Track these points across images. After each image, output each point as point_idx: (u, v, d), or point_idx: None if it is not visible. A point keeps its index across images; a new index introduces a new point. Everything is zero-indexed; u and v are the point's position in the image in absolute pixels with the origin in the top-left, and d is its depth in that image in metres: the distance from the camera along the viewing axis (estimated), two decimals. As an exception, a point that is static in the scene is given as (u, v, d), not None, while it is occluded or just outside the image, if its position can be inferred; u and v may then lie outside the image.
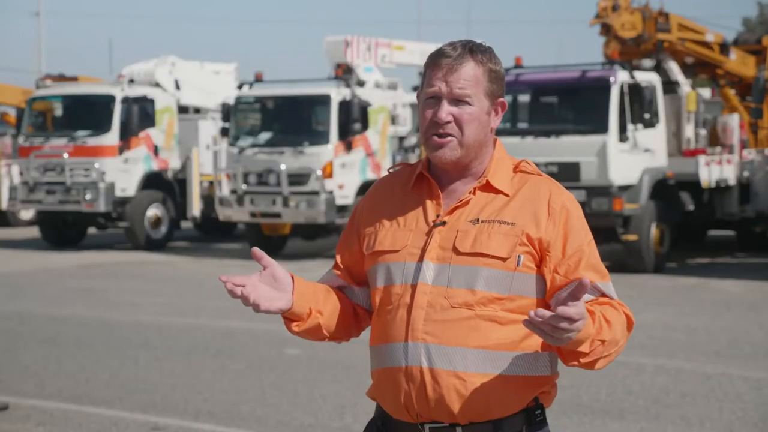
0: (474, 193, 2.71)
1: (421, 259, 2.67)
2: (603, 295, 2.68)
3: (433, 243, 2.68)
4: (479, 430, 2.65)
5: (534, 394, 2.68)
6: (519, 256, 2.63)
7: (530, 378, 2.66)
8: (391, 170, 2.88)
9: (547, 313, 2.39)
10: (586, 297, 2.62)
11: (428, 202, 2.73)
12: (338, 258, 2.89)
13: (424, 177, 2.77)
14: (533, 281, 2.66)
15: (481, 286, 2.62)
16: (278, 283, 2.71)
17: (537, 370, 2.66)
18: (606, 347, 2.57)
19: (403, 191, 2.79)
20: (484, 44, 2.73)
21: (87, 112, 20.19)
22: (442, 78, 2.66)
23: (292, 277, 2.75)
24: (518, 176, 2.74)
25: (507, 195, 2.70)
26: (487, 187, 2.71)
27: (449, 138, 2.67)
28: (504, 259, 2.63)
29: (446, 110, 2.66)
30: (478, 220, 2.67)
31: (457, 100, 2.66)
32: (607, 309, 2.62)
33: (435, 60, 2.68)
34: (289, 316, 2.75)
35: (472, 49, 2.68)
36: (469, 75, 2.66)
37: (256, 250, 2.70)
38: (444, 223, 2.68)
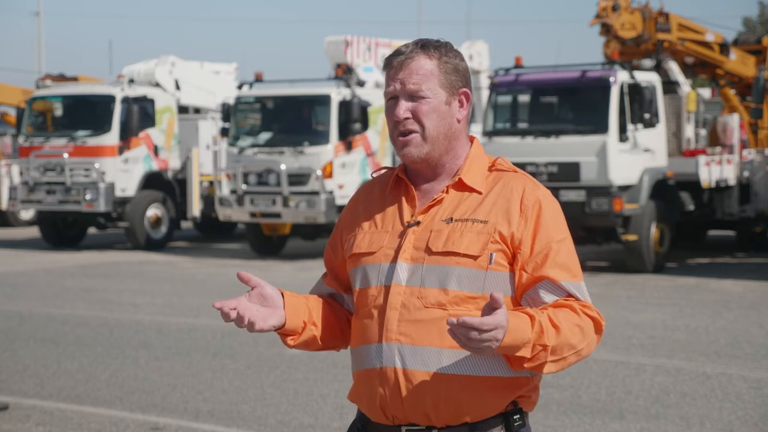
0: (447, 192, 2.70)
1: (395, 260, 2.67)
2: (569, 295, 2.64)
3: (407, 243, 2.67)
4: None
5: (512, 397, 2.65)
6: (491, 254, 2.61)
7: (507, 379, 2.63)
8: (374, 175, 2.89)
9: (455, 321, 2.39)
10: (549, 297, 2.61)
11: (404, 204, 2.74)
12: (326, 266, 2.90)
13: (401, 179, 2.77)
14: (507, 279, 2.64)
15: (454, 285, 2.61)
16: (268, 301, 2.69)
17: (513, 371, 2.62)
18: (553, 352, 2.53)
19: (382, 194, 2.79)
20: (440, 40, 2.73)
21: (87, 112, 20.20)
22: (395, 76, 2.68)
23: (282, 293, 2.73)
24: (493, 174, 2.73)
25: (480, 193, 2.69)
26: (460, 186, 2.70)
27: (412, 135, 2.67)
28: (475, 258, 2.61)
29: (403, 107, 2.67)
30: (451, 219, 2.66)
31: (412, 95, 2.66)
32: (560, 312, 2.58)
33: (389, 60, 2.71)
34: (283, 332, 2.74)
35: (423, 45, 2.70)
36: (420, 69, 2.66)
37: (242, 273, 2.68)
38: (418, 223, 2.68)
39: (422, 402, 2.61)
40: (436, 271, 2.63)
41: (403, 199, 2.74)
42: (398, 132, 2.69)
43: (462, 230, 2.64)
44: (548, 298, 2.62)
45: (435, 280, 2.62)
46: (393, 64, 2.69)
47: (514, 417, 2.65)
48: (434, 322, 2.60)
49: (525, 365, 2.54)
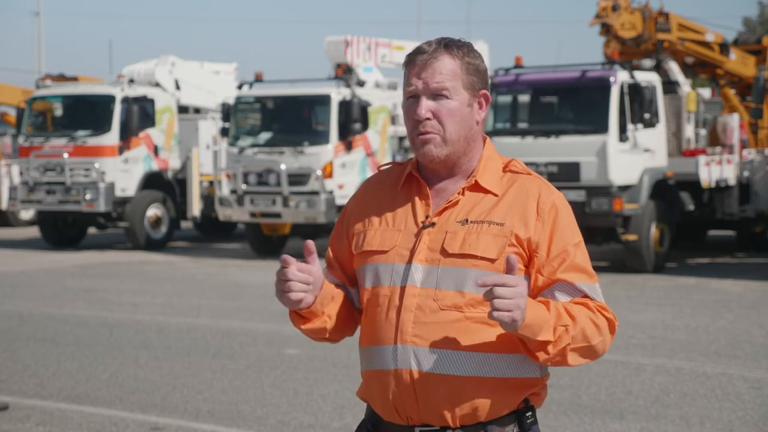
0: (463, 194, 2.68)
1: (409, 261, 2.65)
2: (585, 296, 2.65)
3: (422, 244, 2.65)
4: None
5: (524, 396, 2.66)
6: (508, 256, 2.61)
7: (520, 380, 2.64)
8: (381, 168, 2.86)
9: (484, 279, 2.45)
10: (565, 298, 2.63)
11: (417, 203, 2.71)
12: (332, 257, 2.85)
13: (413, 176, 2.74)
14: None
15: (470, 287, 2.60)
16: (314, 279, 2.66)
17: (526, 372, 2.64)
18: (573, 337, 2.55)
19: (393, 191, 2.76)
20: (461, 40, 2.71)
21: (87, 112, 20.21)
22: (418, 75, 2.64)
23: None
24: (508, 176, 2.71)
25: (496, 195, 2.67)
26: (476, 187, 2.68)
27: (432, 135, 2.64)
28: (493, 261, 2.60)
29: (425, 106, 2.64)
30: (467, 220, 2.64)
31: (435, 95, 2.63)
32: (575, 306, 2.61)
33: (411, 58, 2.67)
34: (302, 313, 2.71)
35: (447, 44, 2.66)
36: (444, 68, 2.63)
37: (309, 244, 2.65)
38: (433, 225, 2.66)
39: (437, 403, 2.61)
40: (452, 273, 2.61)
41: (417, 197, 2.71)
42: (418, 131, 2.66)
43: (478, 232, 2.62)
44: (564, 298, 2.64)
45: (451, 282, 2.61)
46: (416, 62, 2.65)
47: (527, 414, 2.67)
48: (450, 324, 2.60)
49: (549, 349, 2.54)
